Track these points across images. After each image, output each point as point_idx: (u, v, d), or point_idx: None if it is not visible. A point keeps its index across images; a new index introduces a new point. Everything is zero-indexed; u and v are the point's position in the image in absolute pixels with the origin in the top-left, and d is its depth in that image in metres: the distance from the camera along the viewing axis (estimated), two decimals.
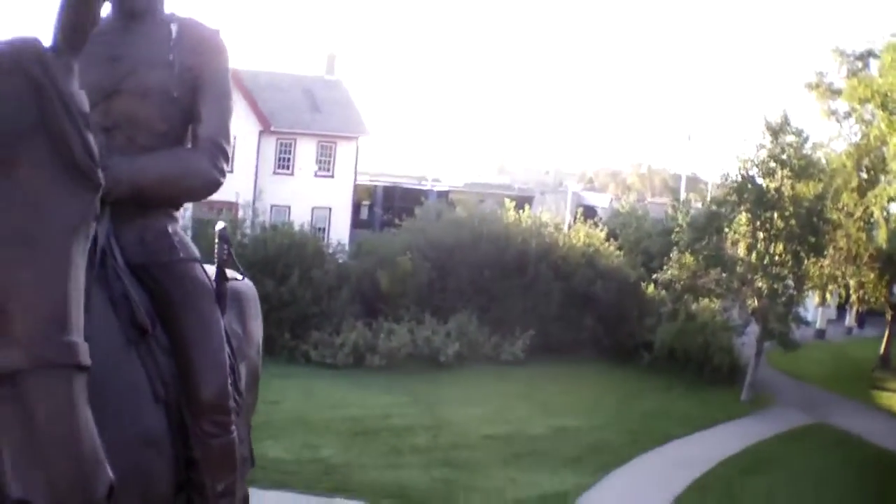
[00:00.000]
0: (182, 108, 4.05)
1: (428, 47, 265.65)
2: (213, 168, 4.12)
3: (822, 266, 34.15)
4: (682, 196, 49.36)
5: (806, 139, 32.83)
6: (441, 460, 20.28)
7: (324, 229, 44.56)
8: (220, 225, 4.61)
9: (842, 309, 47.03)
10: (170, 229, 4.11)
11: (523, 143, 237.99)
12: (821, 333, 43.70)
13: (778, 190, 30.68)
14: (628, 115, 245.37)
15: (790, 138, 31.63)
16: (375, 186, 57.55)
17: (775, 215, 30.71)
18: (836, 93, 40.86)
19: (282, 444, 19.47)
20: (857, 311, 45.97)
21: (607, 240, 36.83)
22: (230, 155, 4.25)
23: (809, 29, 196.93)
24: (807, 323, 34.18)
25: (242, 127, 42.41)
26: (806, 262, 31.93)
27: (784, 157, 31.06)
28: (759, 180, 31.36)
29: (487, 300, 31.75)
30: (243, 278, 4.71)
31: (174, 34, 4.02)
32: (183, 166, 4.04)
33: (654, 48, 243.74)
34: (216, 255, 4.39)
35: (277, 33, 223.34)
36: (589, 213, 50.27)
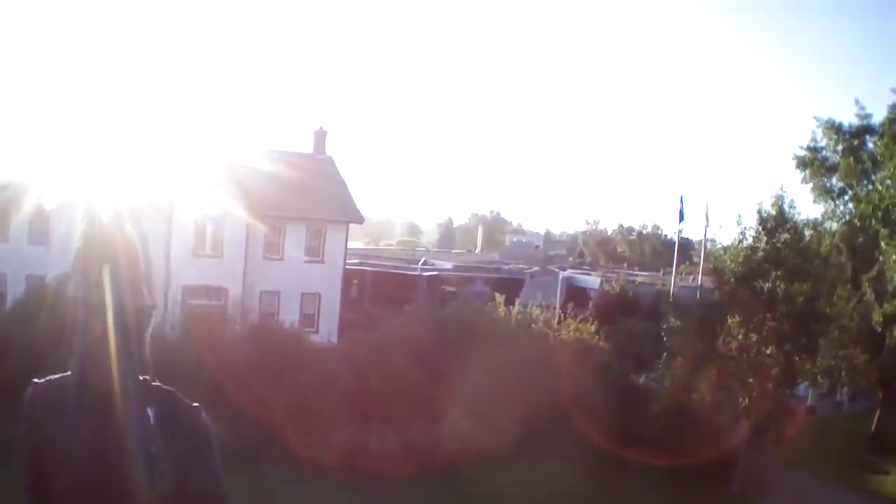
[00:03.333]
0: (172, 502, 3.74)
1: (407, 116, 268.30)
2: None
3: (814, 361, 34.04)
4: (674, 269, 49.26)
5: (801, 235, 32.82)
6: None
7: (314, 315, 44.26)
8: None
9: (833, 386, 47.02)
10: None
11: (511, 206, 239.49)
12: (812, 410, 43.44)
13: (771, 291, 30.56)
14: (616, 174, 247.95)
15: (785, 236, 31.57)
16: (365, 271, 57.09)
17: (768, 316, 30.58)
18: (831, 169, 41.00)
19: None
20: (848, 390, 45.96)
21: (597, 333, 36.65)
22: None
23: (796, 96, 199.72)
24: (794, 414, 34.00)
25: (230, 210, 42.17)
26: (798, 361, 31.81)
27: (779, 257, 30.99)
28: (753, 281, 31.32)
29: (478, 398, 31.19)
30: None
31: (152, 419, 3.73)
32: None
33: (641, 109, 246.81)
34: None
35: (264, 109, 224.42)
36: (581, 295, 50.25)
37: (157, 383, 3.84)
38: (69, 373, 3.75)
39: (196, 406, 3.89)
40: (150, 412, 3.75)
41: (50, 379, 3.82)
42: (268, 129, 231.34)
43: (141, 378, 3.76)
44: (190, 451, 3.77)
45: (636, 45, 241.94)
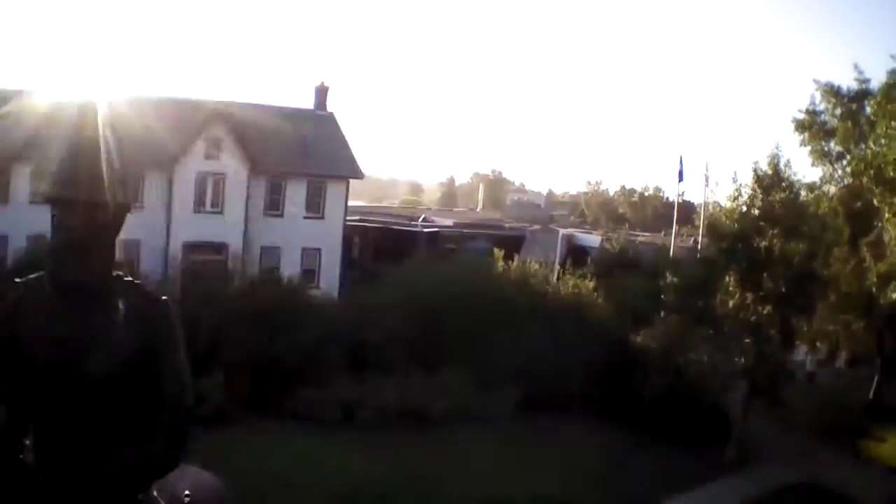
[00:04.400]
0: (139, 392, 3.92)
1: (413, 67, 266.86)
2: (173, 451, 3.99)
3: (811, 323, 34.09)
4: (674, 228, 49.25)
5: (798, 195, 32.83)
6: None
7: (314, 271, 44.41)
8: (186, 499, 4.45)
9: (832, 351, 47.15)
10: (140, 497, 3.96)
11: (514, 167, 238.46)
12: (811, 376, 43.53)
13: (768, 249, 30.60)
14: (618, 136, 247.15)
15: (781, 195, 31.57)
16: (366, 227, 57.27)
17: (765, 276, 30.64)
18: (830, 133, 40.97)
19: None
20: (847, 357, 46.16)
21: (595, 290, 36.67)
22: (193, 407, 4.15)
23: (795, 58, 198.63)
24: (792, 376, 34.02)
25: (230, 166, 42.24)
26: (795, 321, 31.87)
27: (775, 215, 30.99)
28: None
29: (475, 354, 31.30)
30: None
31: (122, 310, 3.91)
32: (142, 462, 3.90)
33: (644, 68, 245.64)
34: None
35: (266, 63, 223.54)
36: (580, 253, 50.20)
37: (129, 278, 4.03)
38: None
39: (165, 299, 4.05)
40: (120, 304, 3.91)
41: (29, 277, 4.02)
42: (268, 84, 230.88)
43: (113, 274, 3.96)
44: (157, 342, 3.94)
45: (639, 7, 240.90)
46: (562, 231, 60.62)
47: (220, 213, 41.82)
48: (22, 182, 38.73)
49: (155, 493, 3.98)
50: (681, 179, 48.81)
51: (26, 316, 3.87)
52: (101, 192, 3.78)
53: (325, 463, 24.31)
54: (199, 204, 41.88)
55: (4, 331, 3.88)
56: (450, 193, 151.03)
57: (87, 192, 3.77)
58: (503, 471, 25.47)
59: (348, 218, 48.60)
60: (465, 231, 59.63)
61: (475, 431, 28.48)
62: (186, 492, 4.31)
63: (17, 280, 4.01)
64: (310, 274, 43.47)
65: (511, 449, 27.32)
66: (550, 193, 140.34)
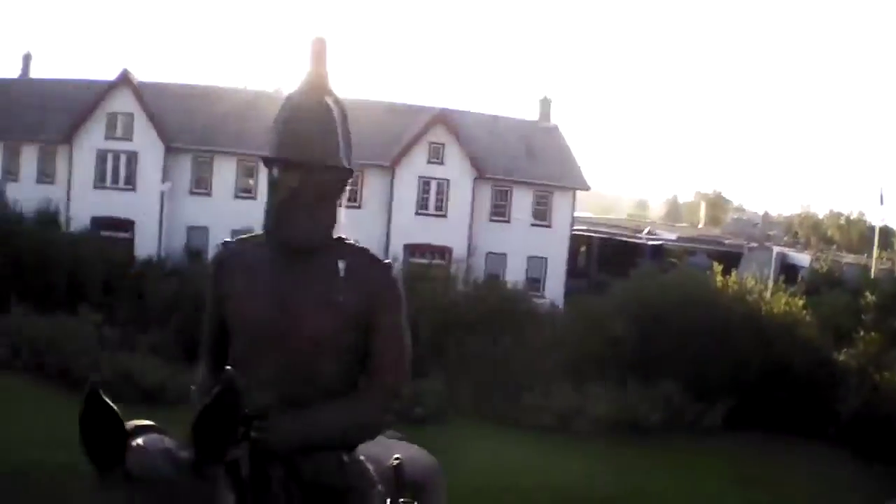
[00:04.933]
0: (355, 354, 3.89)
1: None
2: (382, 414, 4.01)
3: None
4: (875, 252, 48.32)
5: None
6: None
7: (539, 279, 44.80)
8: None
9: None
10: (345, 458, 3.90)
11: (734, 187, 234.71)
12: None
13: None
14: (831, 161, 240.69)
15: None
16: (591, 238, 57.55)
17: None
18: None
19: None
20: None
21: (804, 308, 36.28)
22: (407, 379, 4.07)
23: None
24: None
25: (456, 172, 43.16)
26: None
27: None
28: None
29: (690, 365, 31.07)
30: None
31: (342, 272, 3.84)
32: (351, 420, 3.87)
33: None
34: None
35: (492, 75, 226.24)
36: (792, 271, 49.87)
37: (352, 241, 3.95)
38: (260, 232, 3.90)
39: (387, 262, 3.99)
40: (340, 265, 3.85)
41: (240, 238, 4.04)
42: (493, 95, 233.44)
43: (335, 237, 3.89)
44: (378, 303, 3.85)
45: (854, 38, 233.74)
46: (776, 249, 60.33)
47: (444, 216, 42.74)
48: (226, 175, 41.06)
49: (362, 457, 3.91)
50: (881, 203, 47.82)
51: (239, 273, 3.85)
52: (332, 155, 3.78)
53: (546, 469, 24.41)
54: (421, 207, 43.04)
55: (213, 288, 3.92)
56: (673, 210, 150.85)
57: (319, 154, 3.76)
58: (725, 487, 25.29)
59: (574, 228, 48.82)
60: (687, 245, 59.75)
61: (688, 443, 28.33)
62: (396, 455, 4.20)
63: (227, 240, 4.03)
64: (535, 282, 43.76)
65: (724, 463, 27.10)
66: (766, 214, 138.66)
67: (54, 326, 28.74)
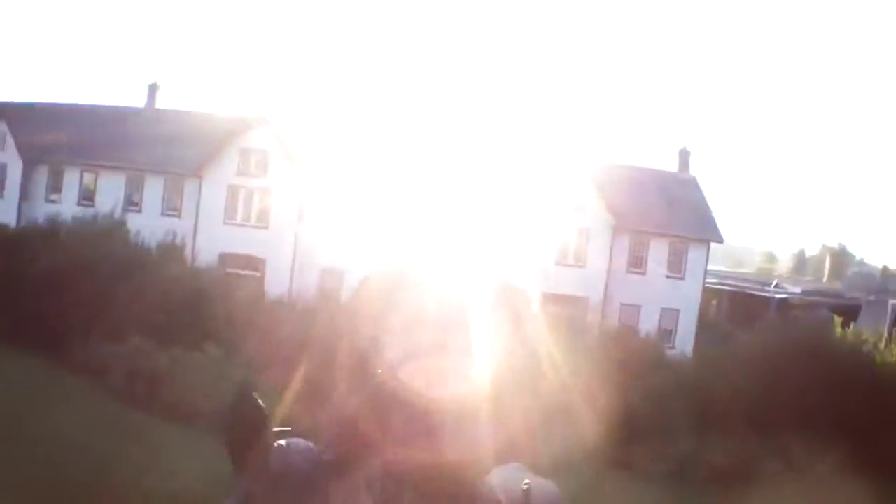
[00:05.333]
0: None
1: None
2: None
3: None
4: None
5: None
6: None
7: (671, 331, 44.32)
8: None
9: None
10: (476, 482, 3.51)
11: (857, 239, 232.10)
12: None
13: None
14: None
15: None
16: (722, 290, 57.52)
17: None
18: None
19: None
20: None
21: None
22: None
23: None
24: None
25: (595, 221, 42.82)
26: None
27: None
28: None
29: (807, 416, 30.83)
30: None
31: None
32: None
33: None
34: None
35: (627, 126, 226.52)
36: None
37: None
38: None
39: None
40: None
41: None
42: (631, 145, 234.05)
43: None
44: None
45: None
46: (891, 302, 60.82)
47: (583, 266, 42.65)
48: None
49: (492, 482, 3.52)
50: None
51: None
52: None
53: None
54: (563, 256, 42.62)
55: None
56: (800, 263, 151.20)
57: None
58: None
59: (707, 281, 48.43)
60: (810, 299, 60.60)
61: (799, 490, 27.92)
62: (526, 481, 3.81)
63: None
64: (667, 333, 43.93)
65: None
66: (885, 269, 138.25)
67: (173, 359, 28.65)
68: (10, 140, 53.12)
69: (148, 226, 40.55)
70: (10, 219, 47.70)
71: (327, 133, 46.82)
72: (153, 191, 48.04)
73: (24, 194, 51.98)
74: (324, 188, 44.26)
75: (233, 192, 46.27)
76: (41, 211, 46.11)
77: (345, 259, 39.62)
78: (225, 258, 43.68)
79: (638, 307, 43.95)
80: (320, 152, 44.79)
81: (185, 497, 14.88)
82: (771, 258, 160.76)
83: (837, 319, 37.47)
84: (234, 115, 48.69)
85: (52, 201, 49.95)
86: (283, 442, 2.92)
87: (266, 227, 45.83)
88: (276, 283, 42.01)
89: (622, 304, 43.33)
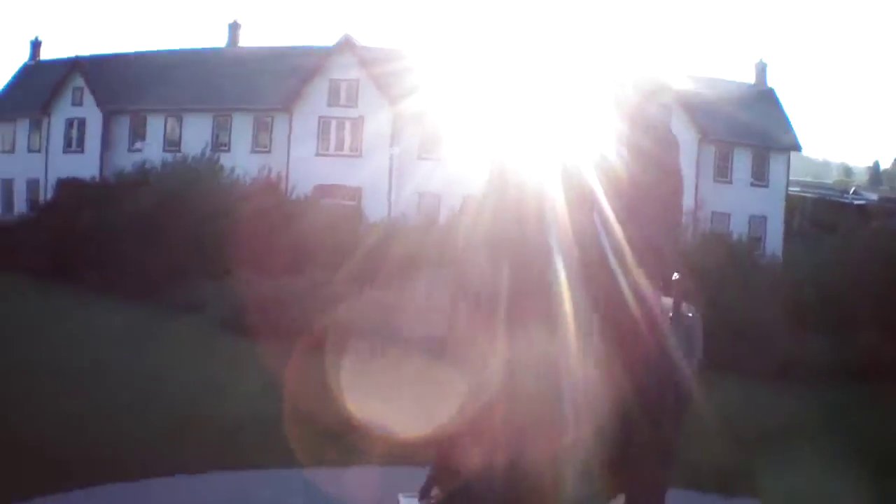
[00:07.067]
0: None
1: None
2: None
3: None
4: None
5: None
6: None
7: (760, 238, 44.83)
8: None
9: None
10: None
11: None
12: None
13: None
14: None
15: None
16: (804, 199, 57.81)
17: None
18: None
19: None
20: None
21: None
22: None
23: None
24: None
25: (681, 133, 43.30)
26: None
27: None
28: None
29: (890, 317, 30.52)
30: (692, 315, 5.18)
31: None
32: None
33: None
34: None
35: (705, 40, 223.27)
36: None
37: None
38: None
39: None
40: None
41: None
42: (709, 59, 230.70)
43: None
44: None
45: None
46: None
47: None
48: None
49: None
50: None
51: None
52: None
53: (772, 410, 24.63)
54: None
55: None
56: (874, 175, 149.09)
57: None
58: None
59: (789, 189, 48.91)
60: (888, 206, 59.97)
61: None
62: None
63: None
64: (756, 240, 44.11)
65: None
66: None
67: (279, 288, 28.23)
68: (87, 94, 54.01)
69: (239, 164, 41.34)
70: (93, 171, 48.76)
71: (413, 55, 46.01)
72: (241, 129, 48.72)
73: (106, 145, 52.96)
74: (415, 112, 43.90)
75: (324, 123, 46.83)
76: (125, 161, 46.96)
77: (441, 182, 40.53)
78: (320, 189, 43.54)
79: (727, 214, 44.56)
80: (409, 76, 44.09)
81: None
82: (847, 171, 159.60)
83: None
84: (318, 47, 48.81)
85: (136, 150, 50.67)
86: None
87: (359, 156, 46.28)
88: (373, 211, 41.68)
89: (712, 212, 43.51)
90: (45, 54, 62.27)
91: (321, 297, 27.32)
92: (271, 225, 32.45)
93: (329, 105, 46.86)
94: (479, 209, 4.59)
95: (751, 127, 46.92)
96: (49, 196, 48.44)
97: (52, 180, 51.20)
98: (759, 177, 47.38)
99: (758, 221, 46.43)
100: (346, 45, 47.14)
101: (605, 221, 4.38)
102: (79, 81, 54.40)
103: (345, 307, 25.18)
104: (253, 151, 47.61)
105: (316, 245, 32.08)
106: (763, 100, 49.76)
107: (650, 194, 4.54)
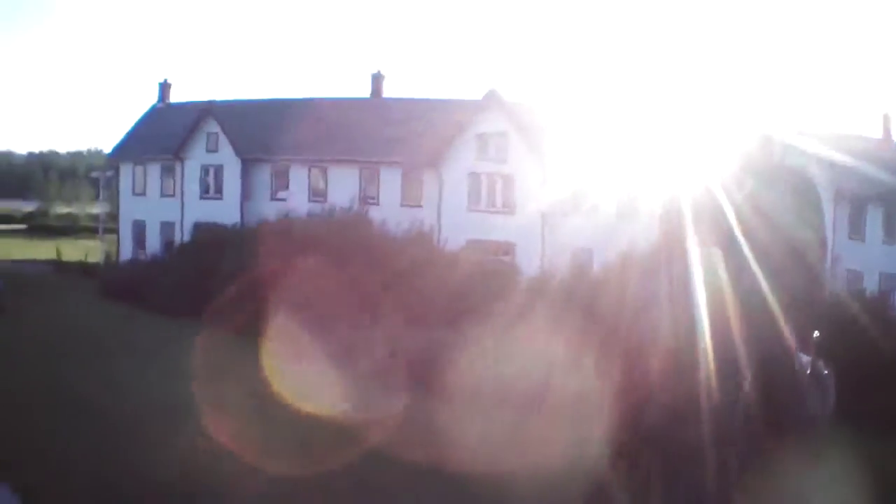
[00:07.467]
0: None
1: None
2: None
3: None
4: None
5: None
6: None
7: (889, 294, 45.25)
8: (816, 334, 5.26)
9: None
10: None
11: None
12: None
13: None
14: None
15: None
16: None
17: None
18: None
19: None
20: None
21: None
22: None
23: None
24: None
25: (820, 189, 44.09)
26: None
27: None
28: None
29: None
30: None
31: None
32: None
33: None
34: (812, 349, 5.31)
35: (828, 95, 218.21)
36: None
37: None
38: None
39: None
40: None
41: None
42: (832, 113, 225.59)
43: None
44: None
45: None
46: None
47: None
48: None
49: None
50: None
51: None
52: None
53: None
54: None
55: None
56: None
57: None
58: None
59: None
60: None
61: None
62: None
63: None
64: (885, 295, 44.51)
65: None
66: None
67: (432, 339, 28.13)
68: (223, 140, 54.92)
69: (389, 217, 42.22)
70: (233, 217, 50.65)
71: (559, 110, 46.24)
72: (390, 183, 49.12)
73: (246, 193, 53.78)
74: (565, 167, 43.31)
75: (473, 178, 47.11)
76: (267, 209, 48.10)
77: (592, 238, 40.07)
78: (472, 244, 43.95)
79: (860, 273, 44.45)
80: (557, 131, 44.12)
81: None
82: None
83: None
84: (465, 100, 49.07)
85: (279, 199, 51.31)
86: None
87: (511, 213, 46.40)
88: (527, 267, 40.72)
89: (847, 269, 43.57)
90: (173, 97, 64.75)
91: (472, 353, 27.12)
92: (425, 276, 33.20)
93: (477, 159, 46.96)
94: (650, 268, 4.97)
95: (882, 181, 46.10)
96: (185, 238, 50.87)
97: (187, 224, 54.09)
98: (891, 233, 47.40)
99: (889, 278, 45.92)
100: (493, 99, 47.20)
101: (752, 282, 4.68)
102: (213, 126, 55.36)
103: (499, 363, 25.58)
104: (403, 205, 48.06)
105: (473, 298, 31.88)
106: (892, 154, 49.44)
107: (795, 253, 4.78)
